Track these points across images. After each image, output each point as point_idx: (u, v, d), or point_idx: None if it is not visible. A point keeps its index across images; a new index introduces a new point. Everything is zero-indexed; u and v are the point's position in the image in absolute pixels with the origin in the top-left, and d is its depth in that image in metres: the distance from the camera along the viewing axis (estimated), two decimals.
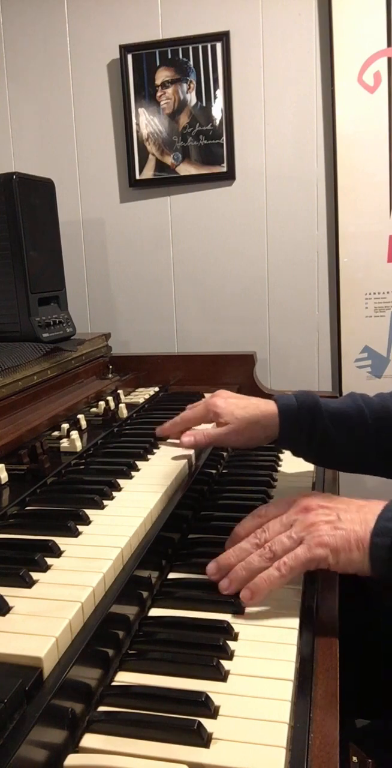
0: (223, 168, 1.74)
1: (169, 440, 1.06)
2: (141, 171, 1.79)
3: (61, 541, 0.70)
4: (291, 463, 1.14)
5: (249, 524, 0.75)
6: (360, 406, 0.97)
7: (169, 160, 1.76)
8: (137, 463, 0.96)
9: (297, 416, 0.96)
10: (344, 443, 0.96)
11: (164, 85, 1.73)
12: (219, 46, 1.67)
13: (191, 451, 1.02)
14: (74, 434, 1.03)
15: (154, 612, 0.72)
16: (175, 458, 1.00)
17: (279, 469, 1.14)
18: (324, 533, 0.67)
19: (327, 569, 0.68)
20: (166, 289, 1.85)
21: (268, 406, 0.98)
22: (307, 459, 1.02)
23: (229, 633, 0.66)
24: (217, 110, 1.71)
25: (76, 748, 0.53)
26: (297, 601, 0.72)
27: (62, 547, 0.69)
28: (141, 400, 1.35)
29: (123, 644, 0.65)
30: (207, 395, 1.38)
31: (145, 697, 0.57)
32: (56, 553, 0.68)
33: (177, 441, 1.04)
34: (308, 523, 0.69)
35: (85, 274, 1.90)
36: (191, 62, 1.70)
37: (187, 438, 1.01)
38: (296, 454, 1.02)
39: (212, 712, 0.55)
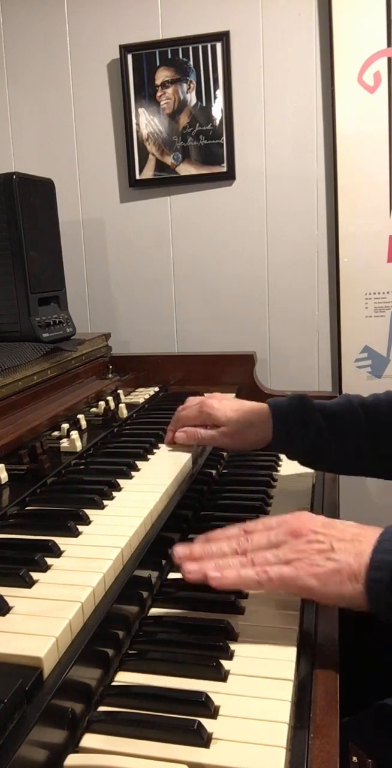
0: (223, 168, 1.73)
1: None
2: (141, 171, 1.79)
3: (61, 541, 0.70)
4: (292, 464, 1.14)
5: (231, 531, 0.70)
6: (354, 406, 0.97)
7: (169, 160, 1.76)
8: (137, 463, 0.96)
9: (289, 416, 0.96)
10: (338, 444, 0.96)
11: (164, 85, 1.73)
12: (219, 46, 1.67)
13: (189, 454, 1.01)
14: (74, 434, 1.03)
15: (154, 612, 0.72)
16: (175, 455, 1.00)
17: (279, 469, 1.14)
18: (315, 563, 0.63)
19: (312, 600, 0.64)
20: (166, 289, 1.85)
21: (261, 408, 0.98)
22: (302, 461, 1.01)
23: (229, 633, 0.66)
24: (217, 110, 1.71)
25: (76, 748, 0.53)
26: (297, 601, 0.72)
27: (62, 547, 0.69)
28: (141, 400, 1.35)
29: (123, 644, 0.65)
30: (206, 395, 1.38)
31: (145, 697, 0.57)
32: (56, 553, 0.68)
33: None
34: (298, 549, 0.64)
35: (85, 274, 1.90)
36: (191, 62, 1.70)
37: (179, 434, 1.02)
38: (290, 456, 1.01)
39: (212, 712, 0.55)
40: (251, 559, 0.65)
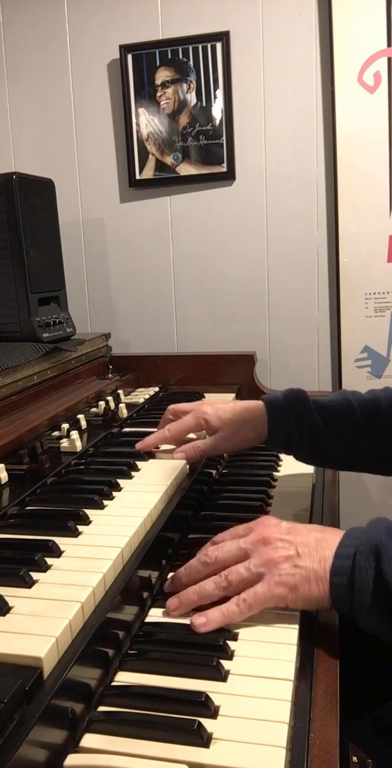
0: (223, 168, 1.73)
1: (159, 453, 1.03)
2: (141, 171, 1.79)
3: (61, 541, 0.70)
4: (292, 464, 1.14)
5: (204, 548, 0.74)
6: (349, 401, 0.97)
7: (169, 160, 1.76)
8: (137, 463, 0.96)
9: (285, 411, 0.96)
10: (335, 439, 0.96)
11: (164, 85, 1.73)
12: (219, 46, 1.67)
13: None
14: (74, 434, 1.03)
15: (154, 612, 0.72)
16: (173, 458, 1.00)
17: (279, 469, 1.14)
18: (284, 572, 0.66)
19: (285, 606, 0.67)
20: (166, 289, 1.85)
21: (256, 405, 0.98)
22: (299, 457, 1.01)
23: (229, 633, 0.66)
24: (217, 110, 1.71)
25: (76, 748, 0.52)
26: None
27: (62, 547, 0.69)
28: (141, 400, 1.35)
29: (123, 644, 0.65)
30: (207, 395, 1.38)
31: (145, 697, 0.57)
32: (56, 553, 0.68)
33: (167, 449, 1.03)
34: (267, 558, 0.67)
35: (85, 274, 1.90)
36: (191, 62, 1.70)
37: (179, 455, 0.99)
38: (287, 452, 1.01)
39: (212, 712, 0.55)
40: (225, 578, 0.67)
